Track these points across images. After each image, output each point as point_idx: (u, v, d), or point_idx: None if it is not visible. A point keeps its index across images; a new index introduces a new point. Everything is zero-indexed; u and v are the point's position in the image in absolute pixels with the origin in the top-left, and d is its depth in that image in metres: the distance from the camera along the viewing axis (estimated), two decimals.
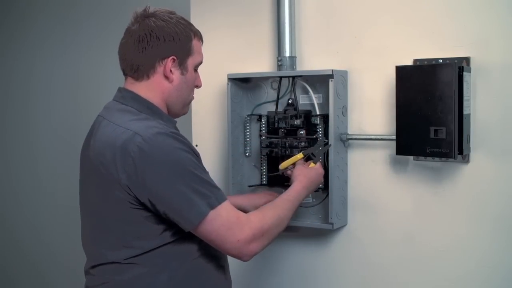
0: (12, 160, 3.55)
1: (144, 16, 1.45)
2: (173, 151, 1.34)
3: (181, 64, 1.46)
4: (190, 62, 1.48)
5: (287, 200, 1.54)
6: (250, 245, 1.38)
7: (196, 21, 2.02)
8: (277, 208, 1.50)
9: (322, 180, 1.72)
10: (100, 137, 1.41)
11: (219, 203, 1.36)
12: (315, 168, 1.69)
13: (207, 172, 1.44)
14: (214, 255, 1.47)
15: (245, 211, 1.52)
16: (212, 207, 1.34)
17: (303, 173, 1.65)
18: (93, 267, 1.45)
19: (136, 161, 1.32)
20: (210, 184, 1.37)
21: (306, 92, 1.84)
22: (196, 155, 1.40)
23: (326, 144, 1.74)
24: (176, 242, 1.40)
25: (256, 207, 1.57)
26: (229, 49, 2.03)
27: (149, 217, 1.37)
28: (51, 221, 3.34)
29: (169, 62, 1.44)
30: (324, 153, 1.76)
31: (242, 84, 1.94)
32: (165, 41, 1.43)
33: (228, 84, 1.89)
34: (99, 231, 1.44)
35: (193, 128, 2.12)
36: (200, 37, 1.52)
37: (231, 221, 1.37)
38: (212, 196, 1.35)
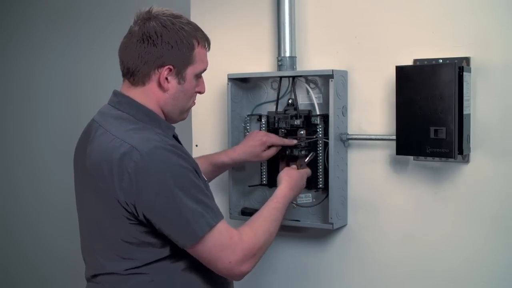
0: (11, 160, 3.55)
1: (146, 18, 1.39)
2: (171, 169, 1.31)
3: (179, 73, 1.41)
4: (190, 71, 1.42)
5: (274, 209, 1.51)
6: (242, 266, 1.36)
7: (196, 21, 2.01)
8: (266, 221, 1.47)
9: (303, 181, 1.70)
10: (97, 147, 1.37)
11: (215, 223, 1.33)
12: (300, 170, 1.70)
13: (206, 181, 1.42)
14: None
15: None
16: (207, 227, 1.32)
17: (289, 173, 1.65)
18: (94, 276, 1.43)
19: (132, 178, 1.29)
20: (206, 203, 1.34)
21: (306, 92, 1.84)
22: (194, 169, 1.37)
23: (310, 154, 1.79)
24: (176, 254, 1.38)
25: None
26: (229, 49, 2.03)
27: (147, 232, 1.35)
28: (50, 222, 3.34)
29: (164, 71, 1.39)
30: (324, 153, 1.76)
31: (242, 84, 1.94)
32: (163, 49, 1.37)
33: (228, 84, 1.89)
34: (97, 241, 1.42)
35: (193, 128, 2.12)
36: (205, 44, 1.46)
37: (224, 243, 1.34)
38: (207, 216, 1.32)
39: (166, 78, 1.40)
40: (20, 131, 3.49)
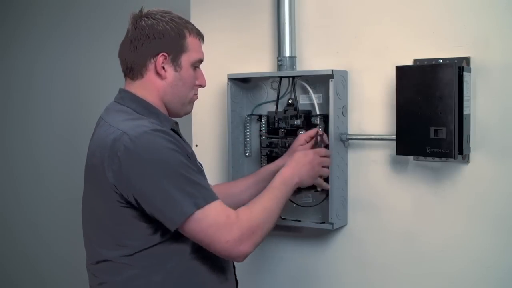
0: (12, 160, 3.55)
1: (138, 17, 1.47)
2: (159, 150, 1.34)
3: (174, 60, 1.46)
4: (185, 59, 1.48)
5: (272, 188, 1.50)
6: (240, 246, 1.35)
7: (196, 22, 2.01)
8: (263, 200, 1.46)
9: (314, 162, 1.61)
10: (95, 138, 1.44)
11: (207, 203, 1.34)
12: (305, 151, 1.64)
13: (202, 170, 1.45)
14: (210, 256, 1.45)
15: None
16: (199, 207, 1.32)
17: (297, 157, 1.61)
18: (92, 264, 1.47)
19: (122, 160, 1.33)
20: (197, 183, 1.35)
21: (306, 92, 1.84)
22: (186, 154, 1.39)
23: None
24: (168, 242, 1.40)
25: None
26: (229, 49, 2.03)
27: (138, 216, 1.37)
28: (51, 220, 3.34)
29: (159, 58, 1.45)
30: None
31: (242, 84, 1.94)
32: (155, 38, 1.44)
33: (228, 84, 1.89)
34: (94, 229, 1.46)
35: (193, 128, 2.12)
36: (197, 35, 1.52)
37: (220, 222, 1.34)
38: (199, 196, 1.33)
39: (163, 67, 1.46)
40: (20, 131, 3.49)
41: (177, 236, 1.39)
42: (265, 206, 1.44)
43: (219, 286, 1.50)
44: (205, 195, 1.35)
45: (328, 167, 1.68)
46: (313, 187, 1.80)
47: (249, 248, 1.37)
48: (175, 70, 1.47)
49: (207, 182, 1.42)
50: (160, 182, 1.32)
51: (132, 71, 1.47)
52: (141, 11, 1.48)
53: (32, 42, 3.35)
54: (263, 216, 1.42)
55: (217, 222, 1.34)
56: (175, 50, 1.46)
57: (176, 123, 1.55)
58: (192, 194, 1.33)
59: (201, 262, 1.45)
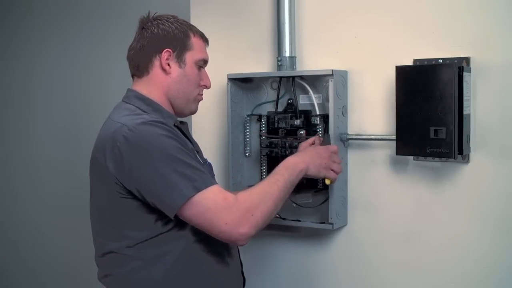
0: (12, 161, 3.55)
1: (145, 20, 1.54)
2: (156, 138, 1.36)
3: (179, 57, 1.52)
4: (189, 56, 1.53)
5: (274, 173, 1.50)
6: (240, 228, 1.34)
7: (196, 21, 2.02)
8: (263, 184, 1.46)
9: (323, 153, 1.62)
10: (99, 133, 1.48)
11: (206, 186, 1.35)
12: (314, 146, 1.66)
13: (200, 161, 1.47)
14: (212, 249, 1.46)
15: None
16: (198, 190, 1.34)
17: (306, 149, 1.64)
18: (98, 257, 1.50)
19: (122, 150, 1.36)
20: (196, 168, 1.37)
21: (306, 92, 1.84)
22: (184, 143, 1.41)
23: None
24: (170, 232, 1.41)
25: None
26: (229, 49, 2.03)
27: (139, 207, 1.39)
28: (50, 221, 3.34)
29: (164, 54, 1.50)
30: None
31: (242, 84, 1.94)
32: (160, 35, 1.51)
33: (228, 84, 1.89)
34: (99, 222, 1.50)
35: (193, 128, 2.12)
36: (202, 37, 1.58)
37: (218, 204, 1.34)
38: (199, 179, 1.35)
39: (168, 63, 1.51)
40: (21, 131, 3.48)
41: (179, 227, 1.41)
42: (265, 188, 1.44)
43: (221, 278, 1.51)
44: (205, 179, 1.36)
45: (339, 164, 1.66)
46: (313, 187, 1.80)
47: (249, 230, 1.35)
48: (180, 67, 1.52)
49: (212, 176, 1.44)
50: (159, 168, 1.34)
51: (139, 68, 1.53)
52: (148, 15, 1.54)
53: (33, 43, 3.34)
54: (261, 197, 1.40)
55: (216, 204, 1.34)
56: (179, 47, 1.52)
57: (184, 123, 1.59)
58: (192, 178, 1.34)
59: (203, 254, 1.46)
